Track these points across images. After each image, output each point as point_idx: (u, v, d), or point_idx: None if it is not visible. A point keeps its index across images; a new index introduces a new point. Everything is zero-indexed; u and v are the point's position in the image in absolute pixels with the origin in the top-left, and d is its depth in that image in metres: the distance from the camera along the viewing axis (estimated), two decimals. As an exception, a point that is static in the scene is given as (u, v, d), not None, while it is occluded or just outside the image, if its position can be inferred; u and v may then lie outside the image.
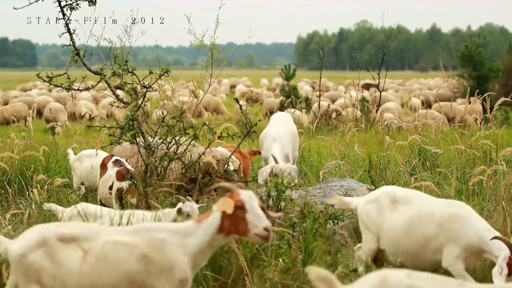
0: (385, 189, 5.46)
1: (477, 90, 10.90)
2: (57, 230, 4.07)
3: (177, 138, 6.91)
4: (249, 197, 4.08)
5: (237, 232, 4.09)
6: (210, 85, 8.76)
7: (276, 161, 7.31)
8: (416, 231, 5.08)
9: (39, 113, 22.72)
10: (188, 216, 5.49)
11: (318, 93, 18.31)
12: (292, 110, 14.58)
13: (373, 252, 5.33)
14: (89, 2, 6.93)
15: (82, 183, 8.16)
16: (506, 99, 9.40)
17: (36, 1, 7.03)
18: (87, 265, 3.99)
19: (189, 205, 5.61)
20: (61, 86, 6.98)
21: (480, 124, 9.93)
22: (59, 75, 6.98)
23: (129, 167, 7.02)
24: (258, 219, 4.03)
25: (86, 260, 3.99)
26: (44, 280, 4.00)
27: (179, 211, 5.58)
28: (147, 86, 6.88)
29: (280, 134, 8.12)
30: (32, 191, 6.90)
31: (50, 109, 18.51)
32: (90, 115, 20.21)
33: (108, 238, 4.04)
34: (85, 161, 8.11)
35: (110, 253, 4.00)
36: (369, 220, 5.32)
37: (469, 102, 10.52)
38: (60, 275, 3.99)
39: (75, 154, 8.49)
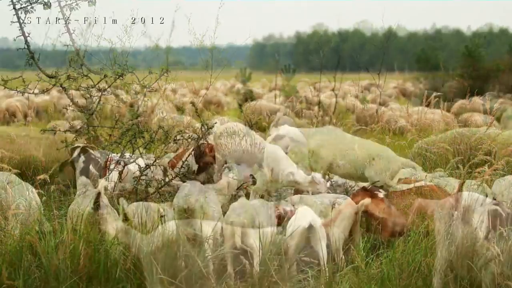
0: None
1: (476, 90, 10.90)
2: None
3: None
4: None
5: None
6: (210, 85, 8.77)
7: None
8: None
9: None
10: None
11: (318, 93, 18.31)
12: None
13: None
14: (88, 2, 6.92)
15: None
16: (508, 95, 9.40)
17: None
18: None
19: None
20: (16, 90, 6.91)
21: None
22: (14, 78, 6.91)
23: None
24: None
25: None
26: None
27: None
28: (103, 89, 6.80)
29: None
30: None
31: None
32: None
33: None
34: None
35: None
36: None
37: (469, 102, 10.52)
38: None
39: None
